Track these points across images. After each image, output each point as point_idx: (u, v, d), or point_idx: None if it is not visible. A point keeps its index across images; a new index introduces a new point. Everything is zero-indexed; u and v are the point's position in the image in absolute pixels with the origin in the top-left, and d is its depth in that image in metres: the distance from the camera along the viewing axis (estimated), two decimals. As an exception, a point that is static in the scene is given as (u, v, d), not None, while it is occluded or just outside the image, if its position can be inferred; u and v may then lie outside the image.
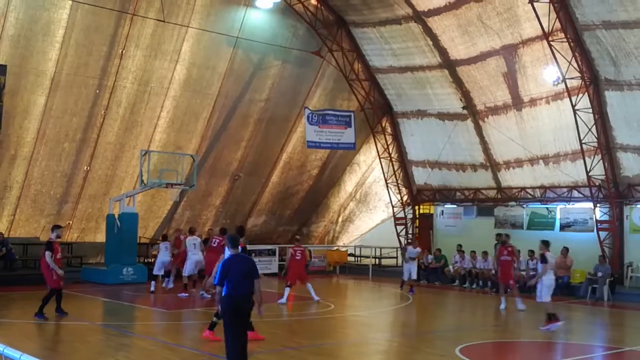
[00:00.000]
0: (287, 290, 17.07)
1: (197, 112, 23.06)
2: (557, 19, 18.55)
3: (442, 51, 22.75)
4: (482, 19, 20.85)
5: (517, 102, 22.05)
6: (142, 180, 21.00)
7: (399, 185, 26.99)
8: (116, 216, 21.19)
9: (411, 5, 21.96)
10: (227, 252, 10.13)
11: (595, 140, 20.02)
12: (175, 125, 22.95)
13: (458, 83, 23.27)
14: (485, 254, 22.57)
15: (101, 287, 19.78)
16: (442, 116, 24.55)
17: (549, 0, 18.28)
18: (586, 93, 19.58)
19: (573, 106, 19.81)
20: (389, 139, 26.51)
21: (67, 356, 10.61)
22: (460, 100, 23.58)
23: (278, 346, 10.68)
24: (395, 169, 26.79)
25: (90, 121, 21.20)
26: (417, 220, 27.43)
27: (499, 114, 22.85)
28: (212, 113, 23.33)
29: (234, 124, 24.13)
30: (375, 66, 25.18)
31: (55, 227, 14.40)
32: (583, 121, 19.90)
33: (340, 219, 29.93)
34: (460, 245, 23.84)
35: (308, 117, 24.53)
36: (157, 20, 20.54)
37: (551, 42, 19.03)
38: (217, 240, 17.70)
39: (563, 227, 22.76)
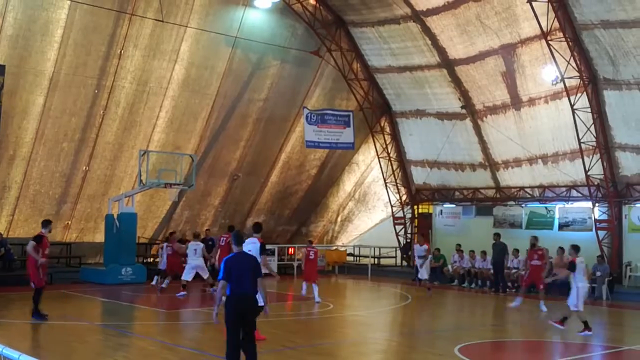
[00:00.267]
0: (312, 288, 17.87)
1: (195, 112, 23.05)
2: (556, 19, 18.56)
3: (441, 51, 22.76)
4: (481, 18, 20.86)
5: (516, 102, 22.06)
6: (141, 180, 20.99)
7: (398, 184, 27.00)
8: (115, 216, 21.17)
9: (410, 5, 21.97)
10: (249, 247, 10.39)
11: (594, 139, 20.03)
12: (174, 125, 22.95)
13: (457, 83, 23.28)
14: (484, 253, 22.59)
15: (100, 287, 19.77)
16: (441, 116, 24.55)
17: (548, 0, 18.29)
18: (585, 92, 19.59)
19: (572, 106, 19.83)
20: (388, 138, 26.52)
21: (66, 356, 10.60)
22: (459, 99, 23.59)
23: (277, 346, 10.68)
24: (394, 168, 26.80)
25: (89, 121, 21.19)
26: (416, 220, 27.44)
27: (498, 114, 22.87)
28: (211, 113, 23.32)
29: (233, 123, 24.12)
30: (374, 66, 25.18)
31: (47, 222, 14.03)
32: (582, 120, 19.91)
33: (339, 219, 29.94)
34: (459, 245, 23.86)
35: (307, 116, 24.54)
36: (156, 20, 20.53)
37: (550, 42, 19.04)
38: (224, 238, 18.29)
39: (562, 227, 22.77)
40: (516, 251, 21.99)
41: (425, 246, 20.07)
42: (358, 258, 28.76)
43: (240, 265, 8.45)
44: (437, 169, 25.79)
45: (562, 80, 19.61)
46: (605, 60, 19.25)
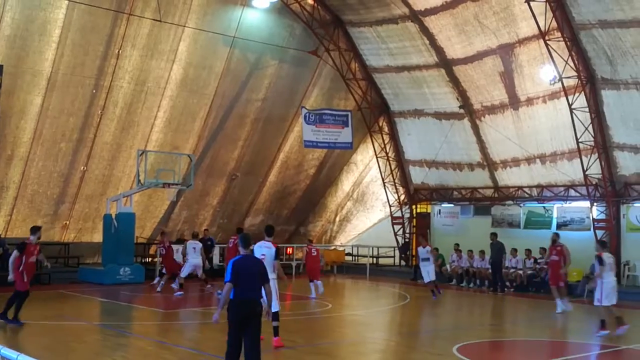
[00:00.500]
0: (312, 286, 18.32)
1: (194, 111, 23.04)
2: (554, 18, 18.57)
3: (439, 50, 22.77)
4: (479, 18, 20.87)
5: (514, 101, 22.07)
6: (139, 180, 20.98)
7: (396, 184, 27.02)
8: (113, 216, 21.16)
9: (408, 5, 21.97)
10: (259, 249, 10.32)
11: (592, 139, 20.05)
12: (172, 125, 22.94)
13: (455, 82, 23.28)
14: (482, 252, 22.60)
15: (98, 287, 19.76)
16: (439, 115, 24.57)
17: (545, 0, 18.30)
18: (583, 92, 19.60)
19: (570, 105, 19.84)
20: (386, 138, 26.53)
21: (65, 356, 10.59)
22: (457, 99, 23.60)
23: (273, 346, 10.67)
24: (393, 168, 26.81)
25: (87, 121, 21.17)
26: (415, 220, 27.44)
27: (496, 113, 22.88)
28: (209, 113, 23.32)
29: (231, 123, 24.11)
30: (372, 65, 25.18)
31: (36, 229, 13.33)
32: (580, 120, 19.93)
33: (337, 219, 29.94)
34: (457, 245, 23.87)
35: (305, 116, 24.55)
36: (154, 20, 20.52)
37: (548, 41, 19.06)
38: (232, 240, 18.38)
39: (560, 226, 22.76)
40: (514, 251, 22.01)
41: (428, 247, 19.63)
42: (356, 258, 28.78)
43: (248, 268, 8.23)
44: (436, 169, 25.80)
45: (560, 79, 19.62)
46: (603, 60, 19.26)
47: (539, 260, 21.58)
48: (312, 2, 23.65)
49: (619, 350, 12.29)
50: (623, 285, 20.43)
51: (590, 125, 19.93)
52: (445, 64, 23.02)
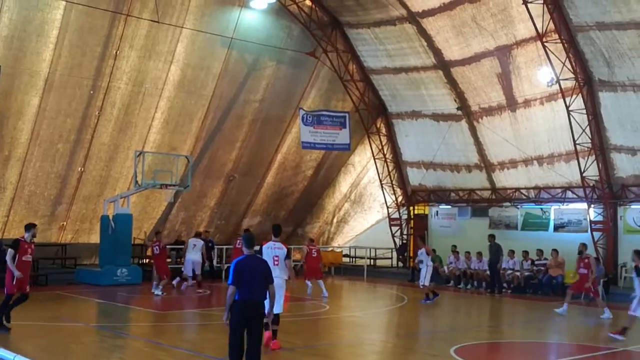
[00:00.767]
0: (308, 284, 18.53)
1: (191, 112, 23.02)
2: (551, 20, 18.60)
3: (437, 52, 22.79)
4: (477, 20, 20.90)
5: (512, 103, 22.10)
6: (137, 181, 20.95)
7: (394, 186, 27.03)
8: (110, 217, 21.14)
9: (405, 6, 22.00)
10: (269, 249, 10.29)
11: (589, 141, 20.08)
12: (169, 126, 22.92)
13: (452, 84, 23.31)
14: (479, 254, 22.61)
15: (95, 288, 19.72)
16: (437, 117, 24.59)
17: (543, 2, 18.33)
18: (580, 94, 19.64)
19: (567, 107, 19.87)
20: (384, 139, 26.54)
21: (61, 358, 10.57)
22: (455, 101, 23.63)
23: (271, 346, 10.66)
24: (390, 169, 26.82)
25: (84, 122, 21.14)
26: (412, 221, 27.46)
27: (493, 115, 22.91)
28: (207, 114, 23.30)
29: (229, 124, 24.10)
30: (369, 67, 25.20)
31: (30, 226, 12.74)
32: (577, 122, 19.96)
33: (335, 220, 29.94)
34: (454, 246, 23.88)
35: (303, 117, 24.55)
36: (151, 20, 20.50)
37: (545, 43, 19.09)
38: (239, 241, 18.37)
39: (557, 228, 22.82)
40: (511, 252, 22.03)
41: (423, 249, 19.17)
42: (354, 259, 28.77)
43: (252, 269, 8.11)
44: (433, 170, 25.82)
45: (558, 81, 19.65)
46: (600, 61, 19.30)
47: (536, 262, 21.61)
48: (309, 4, 23.66)
49: (616, 352, 12.30)
50: (620, 287, 20.51)
51: (588, 127, 19.97)
52: (443, 65, 23.05)
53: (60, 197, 21.90)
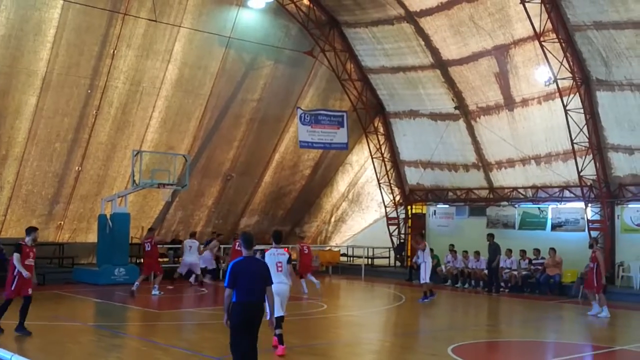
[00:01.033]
0: (303, 283, 18.77)
1: (189, 112, 23.01)
2: (549, 20, 18.61)
3: (434, 51, 22.80)
4: (474, 19, 20.90)
5: (509, 103, 22.12)
6: (134, 181, 20.94)
7: (392, 185, 27.04)
8: (108, 216, 21.13)
9: (403, 6, 21.99)
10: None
11: (587, 140, 20.10)
12: (167, 125, 22.90)
13: (450, 83, 23.32)
14: (477, 253, 22.64)
15: (93, 287, 19.72)
16: (434, 116, 24.59)
17: (541, 1, 18.34)
18: (577, 93, 19.65)
19: (564, 106, 19.89)
20: (382, 139, 26.55)
21: (59, 357, 10.57)
22: (452, 100, 23.63)
23: (270, 346, 10.66)
24: (388, 169, 26.83)
25: (82, 121, 21.12)
26: (410, 220, 27.47)
27: (491, 114, 22.92)
28: (204, 113, 23.29)
29: (226, 124, 24.09)
30: (367, 66, 25.20)
31: (31, 230, 12.62)
32: (574, 121, 19.98)
33: (332, 219, 29.95)
34: (452, 245, 23.89)
35: (300, 117, 24.53)
36: (149, 20, 20.48)
37: (543, 43, 19.10)
38: (238, 243, 18.36)
39: (554, 227, 22.84)
40: (509, 251, 22.06)
41: (421, 246, 19.12)
42: (352, 258, 28.76)
43: (249, 271, 8.03)
44: (431, 170, 25.83)
45: (555, 81, 19.66)
46: (598, 61, 19.31)
47: (533, 262, 21.64)
48: (307, 3, 23.65)
49: (613, 350, 12.32)
50: (617, 286, 20.53)
51: (585, 127, 19.98)
52: (441, 64, 23.05)
53: (58, 196, 21.88)
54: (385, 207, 27.48)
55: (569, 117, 19.92)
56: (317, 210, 29.20)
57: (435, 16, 21.73)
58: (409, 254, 26.72)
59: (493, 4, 20.22)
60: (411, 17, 22.27)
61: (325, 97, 25.96)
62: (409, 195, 27.21)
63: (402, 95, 25.11)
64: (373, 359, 11.83)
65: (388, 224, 27.51)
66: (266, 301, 8.29)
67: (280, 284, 10.80)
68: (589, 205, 21.20)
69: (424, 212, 27.34)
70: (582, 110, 19.82)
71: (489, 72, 22.03)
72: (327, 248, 28.97)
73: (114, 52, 20.62)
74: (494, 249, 21.31)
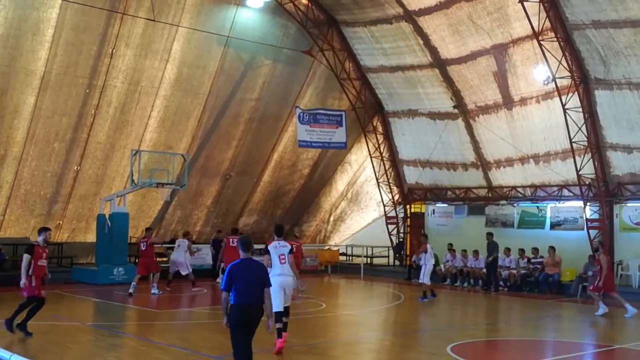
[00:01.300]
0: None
1: (187, 111, 23.00)
2: (547, 19, 18.61)
3: (433, 50, 22.80)
4: (473, 18, 20.90)
5: (508, 102, 22.12)
6: (133, 180, 20.93)
7: (390, 184, 27.04)
8: (107, 216, 21.11)
9: (402, 5, 21.99)
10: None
11: (585, 139, 20.11)
12: (165, 125, 22.89)
13: (449, 82, 23.32)
14: (476, 252, 22.65)
15: (92, 287, 19.71)
16: (433, 115, 24.60)
17: (539, 0, 18.34)
18: (576, 92, 19.66)
19: (563, 105, 19.89)
20: (380, 138, 26.55)
21: (58, 356, 10.56)
22: (451, 99, 23.64)
23: (270, 345, 10.66)
24: (387, 168, 26.83)
25: (80, 121, 21.10)
26: (409, 220, 27.48)
27: (490, 113, 22.92)
28: (203, 112, 23.28)
29: (225, 123, 24.08)
30: (366, 65, 25.20)
31: (43, 230, 12.62)
32: (573, 120, 19.98)
33: (331, 219, 29.94)
34: (451, 244, 23.90)
35: (299, 116, 24.53)
36: (147, 19, 20.47)
37: (541, 42, 19.10)
38: (232, 240, 18.94)
39: (553, 226, 22.85)
40: (507, 250, 22.07)
41: (421, 248, 19.34)
42: (351, 257, 28.76)
43: (247, 273, 8.05)
44: (430, 169, 25.84)
45: (554, 80, 19.67)
46: (596, 60, 19.32)
47: (532, 260, 21.65)
48: (306, 2, 23.64)
49: (612, 349, 12.33)
50: (616, 284, 20.49)
51: (584, 126, 19.99)
52: (439, 64, 23.05)
53: (57, 196, 21.87)
54: (384, 206, 27.49)
55: (567, 116, 19.93)
56: (316, 209, 29.20)
57: (433, 15, 21.73)
58: (407, 253, 26.74)
59: (492, 3, 20.23)
60: (410, 16, 22.27)
61: (324, 97, 25.95)
62: (408, 194, 27.21)
63: (400, 94, 25.11)
64: (372, 358, 11.83)
65: (387, 223, 27.52)
66: (265, 303, 8.27)
67: (283, 275, 10.97)
68: (588, 204, 21.21)
69: (422, 211, 27.35)
70: (580, 109, 19.82)
71: (488, 71, 22.04)
72: (326, 247, 28.96)
73: (112, 51, 20.61)
74: (492, 248, 21.31)
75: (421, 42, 22.77)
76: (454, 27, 21.63)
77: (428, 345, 12.47)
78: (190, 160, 23.17)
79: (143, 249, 18.86)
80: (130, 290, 17.95)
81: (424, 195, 26.82)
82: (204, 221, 25.99)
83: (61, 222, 22.54)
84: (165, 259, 23.37)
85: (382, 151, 26.58)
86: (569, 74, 19.37)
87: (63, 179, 21.72)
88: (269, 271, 10.82)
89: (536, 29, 18.83)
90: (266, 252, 11.15)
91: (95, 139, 21.63)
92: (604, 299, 16.04)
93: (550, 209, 23.03)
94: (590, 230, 21.08)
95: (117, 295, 18.28)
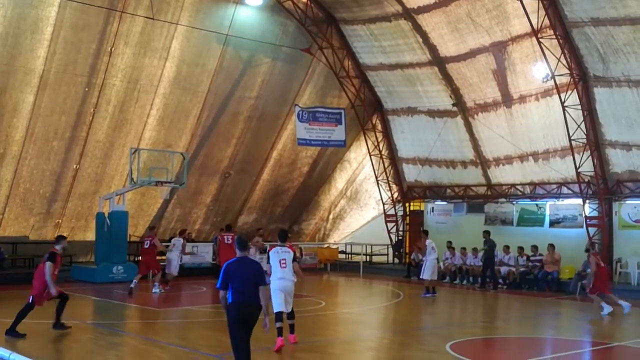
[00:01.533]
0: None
1: (187, 109, 22.99)
2: (546, 16, 18.61)
3: (432, 48, 22.79)
4: (472, 16, 20.90)
5: (507, 99, 22.12)
6: (132, 179, 20.93)
7: (390, 182, 27.04)
8: (106, 214, 21.11)
9: (401, 3, 21.99)
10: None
11: (584, 136, 20.12)
12: (165, 123, 22.88)
13: (448, 80, 23.32)
14: (475, 250, 22.65)
15: (91, 285, 19.71)
16: (432, 113, 24.60)
17: (538, -2, 18.35)
18: (575, 90, 19.66)
19: (562, 103, 19.90)
20: (380, 136, 26.55)
21: (58, 355, 10.57)
22: (450, 97, 23.64)
23: (269, 344, 10.67)
24: (386, 166, 26.84)
25: (80, 119, 21.09)
26: (408, 217, 27.49)
27: (489, 111, 22.93)
28: (202, 111, 23.27)
29: (224, 121, 24.08)
30: (365, 63, 25.19)
31: (62, 238, 12.72)
32: (572, 118, 19.99)
33: (331, 217, 29.95)
34: (450, 242, 23.90)
35: (298, 114, 24.54)
36: (146, 17, 20.46)
37: (540, 39, 19.10)
38: (227, 237, 19.23)
39: (552, 224, 22.86)
40: (507, 248, 22.08)
41: (422, 241, 19.45)
42: (350, 255, 28.79)
43: (242, 272, 8.11)
44: (429, 167, 25.85)
45: (553, 77, 19.67)
46: (595, 57, 19.32)
47: (531, 258, 21.67)
48: (305, 0, 23.62)
49: (611, 346, 12.34)
50: (615, 282, 20.55)
51: (583, 123, 20.00)
52: (438, 61, 23.05)
53: (56, 194, 21.86)
54: (384, 204, 27.50)
55: (566, 114, 19.93)
56: (315, 207, 29.21)
57: (432, 13, 21.73)
58: (407, 250, 26.76)
59: (491, 0, 20.22)
60: (409, 14, 22.26)
61: (323, 95, 25.95)
62: (407, 192, 27.22)
63: (399, 92, 25.11)
64: (372, 356, 11.84)
65: (386, 221, 27.53)
66: (261, 302, 8.29)
67: (282, 280, 11.04)
68: (587, 201, 21.23)
69: (422, 209, 27.35)
70: (579, 107, 19.83)
71: (487, 69, 22.04)
72: (326, 245, 28.97)
73: (111, 49, 20.59)
74: (490, 246, 21.29)
75: (420, 40, 22.76)
76: (453, 25, 21.63)
77: (427, 342, 12.48)
78: (190, 158, 23.17)
79: (146, 246, 18.90)
80: (131, 286, 18.00)
81: (423, 193, 26.83)
82: (203, 219, 25.99)
83: (60, 221, 22.53)
84: (164, 257, 23.38)
85: (381, 149, 26.58)
86: (568, 72, 19.38)
87: (62, 178, 21.71)
88: (269, 276, 10.94)
89: (535, 26, 18.83)
90: (267, 259, 11.30)
91: (94, 137, 21.62)
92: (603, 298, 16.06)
93: (550, 207, 23.04)
94: (590, 228, 21.10)
95: (116, 293, 18.29)
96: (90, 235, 22.57)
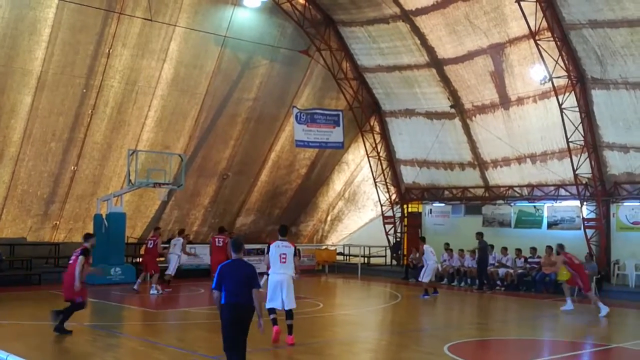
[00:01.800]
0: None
1: (185, 111, 22.99)
2: (544, 18, 18.65)
3: (430, 50, 22.82)
4: (470, 18, 20.93)
5: (505, 101, 22.15)
6: (130, 180, 20.91)
7: (388, 184, 27.06)
8: (104, 216, 21.09)
9: (399, 5, 22.01)
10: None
11: (582, 138, 20.14)
12: (163, 125, 22.87)
13: (446, 82, 23.34)
14: (473, 252, 22.64)
15: (89, 287, 19.41)
16: (430, 115, 24.62)
17: (536, 0, 18.37)
18: (573, 92, 19.70)
19: (560, 105, 19.93)
20: (378, 137, 26.57)
21: (55, 357, 10.55)
22: (448, 99, 23.66)
23: (267, 345, 10.67)
24: (384, 167, 26.85)
25: (77, 121, 21.08)
26: (406, 219, 27.49)
27: (487, 113, 22.95)
28: (200, 112, 23.27)
29: (222, 123, 24.08)
30: (363, 65, 25.21)
31: (90, 236, 12.89)
32: (570, 120, 20.02)
33: (329, 218, 29.95)
34: (447, 244, 23.90)
35: (296, 116, 24.56)
36: (144, 19, 20.46)
37: (538, 41, 19.13)
38: (218, 239, 19.10)
39: (550, 225, 22.88)
40: (504, 249, 22.09)
41: (420, 248, 19.64)
42: (348, 257, 28.80)
43: (236, 274, 8.17)
44: (427, 168, 25.86)
45: (551, 79, 19.69)
46: (593, 59, 19.36)
47: (529, 260, 21.67)
48: (303, 2, 23.63)
49: (609, 348, 12.35)
50: (613, 284, 20.59)
51: (580, 125, 20.03)
52: (436, 63, 23.08)
53: (53, 196, 21.84)
54: (382, 206, 27.52)
55: (564, 116, 19.97)
56: (313, 209, 29.21)
57: (430, 15, 21.76)
58: (405, 252, 26.76)
59: (488, 2, 20.26)
60: (407, 16, 22.28)
61: (321, 96, 25.97)
62: (405, 194, 27.23)
63: (397, 94, 25.13)
64: (369, 358, 11.83)
65: (384, 223, 27.55)
66: (254, 304, 8.31)
67: (282, 274, 11.17)
68: (585, 203, 21.25)
69: (420, 210, 27.36)
70: (577, 109, 19.86)
71: (485, 71, 22.07)
72: (324, 247, 28.96)
73: (109, 51, 20.59)
74: (483, 247, 21.30)
75: (418, 41, 22.78)
76: (450, 27, 21.66)
77: (425, 344, 12.48)
78: (188, 160, 23.17)
79: (150, 246, 18.98)
80: (135, 287, 18.11)
81: (421, 194, 26.84)
82: (201, 221, 25.97)
83: (58, 222, 22.51)
84: (163, 259, 23.35)
85: (379, 151, 26.59)
86: (566, 74, 19.41)
87: (60, 179, 21.69)
88: (269, 270, 10.99)
89: (533, 28, 18.86)
90: (267, 251, 11.41)
91: (92, 138, 21.61)
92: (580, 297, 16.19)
93: (547, 209, 23.07)
94: (587, 230, 21.12)
95: (114, 295, 18.27)
96: (88, 237, 22.49)
